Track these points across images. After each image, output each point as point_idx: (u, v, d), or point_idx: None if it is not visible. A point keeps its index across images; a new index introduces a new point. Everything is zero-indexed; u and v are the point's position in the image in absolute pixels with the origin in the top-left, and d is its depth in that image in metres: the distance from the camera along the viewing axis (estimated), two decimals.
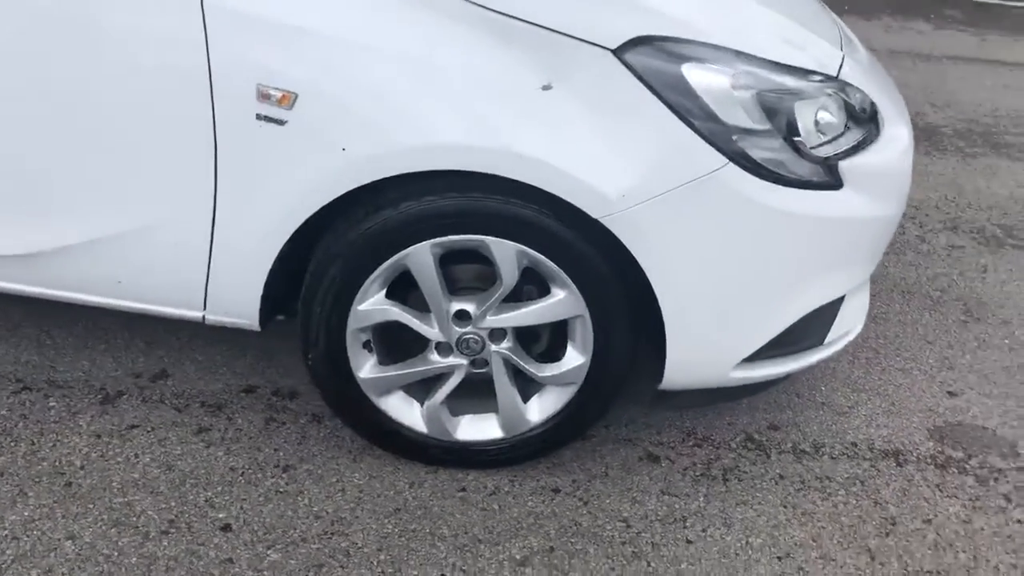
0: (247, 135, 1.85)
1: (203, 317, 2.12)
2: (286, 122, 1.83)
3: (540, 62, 1.81)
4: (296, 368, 2.41)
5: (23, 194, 2.01)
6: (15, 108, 1.93)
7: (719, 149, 1.82)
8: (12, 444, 2.17)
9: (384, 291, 2.01)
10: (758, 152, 1.85)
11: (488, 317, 2.01)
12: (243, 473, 2.16)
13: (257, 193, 1.91)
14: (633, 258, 1.88)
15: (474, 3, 1.81)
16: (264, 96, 1.82)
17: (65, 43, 1.86)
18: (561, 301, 1.98)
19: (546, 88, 1.81)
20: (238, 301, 2.06)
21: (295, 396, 2.43)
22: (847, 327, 2.23)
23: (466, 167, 1.84)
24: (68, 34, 1.85)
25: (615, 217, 1.84)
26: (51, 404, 2.32)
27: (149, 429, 2.27)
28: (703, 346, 2.01)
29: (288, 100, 1.81)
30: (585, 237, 1.90)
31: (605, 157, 1.82)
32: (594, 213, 1.84)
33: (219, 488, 2.11)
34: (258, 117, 1.83)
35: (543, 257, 1.92)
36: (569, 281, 1.95)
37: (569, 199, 1.83)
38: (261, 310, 2.06)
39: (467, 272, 2.06)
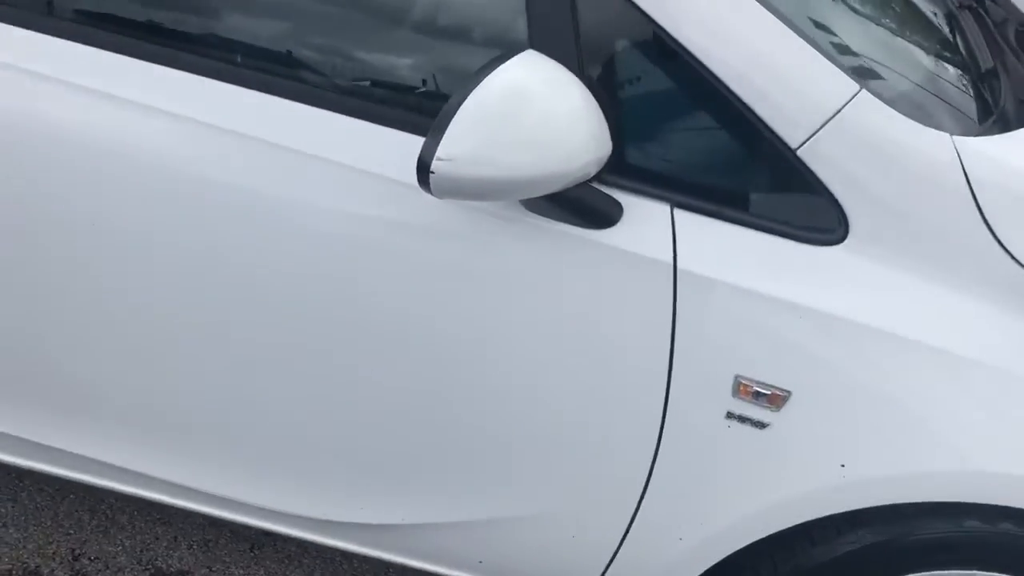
0: (706, 437, 1.40)
1: None
2: (767, 425, 1.38)
3: None
4: None
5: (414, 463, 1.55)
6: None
7: None
8: None
9: None
10: None
11: None
12: None
13: (691, 508, 1.47)
14: None
15: None
16: (745, 392, 1.37)
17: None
18: None
19: None
20: None
21: None
22: None
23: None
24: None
25: None
26: None
27: None
28: None
29: (779, 400, 1.36)
30: None
31: None
32: None
33: None
34: (729, 416, 1.39)
35: None
36: None
37: None
38: None
39: None
